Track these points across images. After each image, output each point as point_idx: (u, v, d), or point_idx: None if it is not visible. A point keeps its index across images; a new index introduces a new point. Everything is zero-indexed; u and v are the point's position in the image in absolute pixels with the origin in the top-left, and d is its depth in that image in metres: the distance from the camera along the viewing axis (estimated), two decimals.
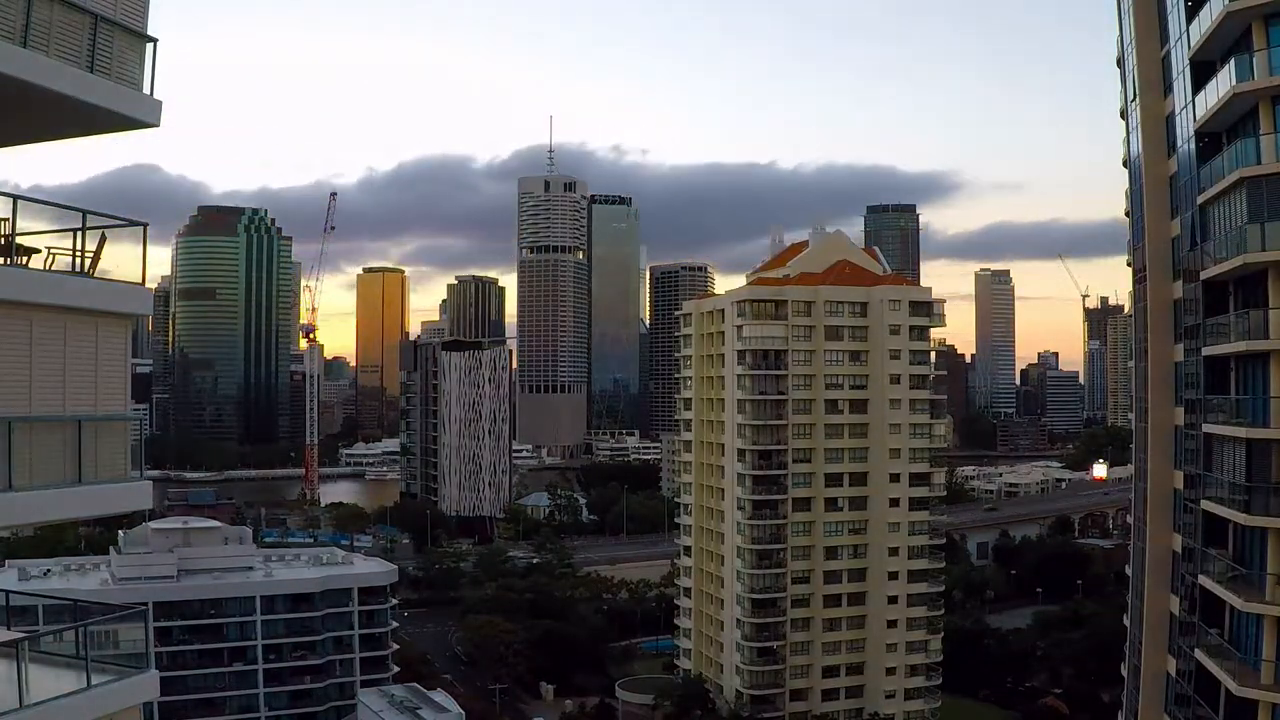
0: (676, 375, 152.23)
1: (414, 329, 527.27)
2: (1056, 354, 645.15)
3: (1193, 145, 47.19)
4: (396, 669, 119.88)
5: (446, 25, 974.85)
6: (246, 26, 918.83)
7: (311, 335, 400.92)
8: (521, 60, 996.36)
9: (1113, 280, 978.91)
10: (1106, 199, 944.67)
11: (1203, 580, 44.89)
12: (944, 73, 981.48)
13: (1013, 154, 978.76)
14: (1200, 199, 46.09)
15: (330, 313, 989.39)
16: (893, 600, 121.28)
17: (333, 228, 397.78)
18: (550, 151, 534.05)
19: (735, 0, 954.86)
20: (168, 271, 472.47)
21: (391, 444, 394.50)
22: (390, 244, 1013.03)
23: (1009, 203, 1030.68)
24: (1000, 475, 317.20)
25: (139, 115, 18.22)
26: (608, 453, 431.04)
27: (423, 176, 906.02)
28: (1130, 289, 61.47)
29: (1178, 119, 49.96)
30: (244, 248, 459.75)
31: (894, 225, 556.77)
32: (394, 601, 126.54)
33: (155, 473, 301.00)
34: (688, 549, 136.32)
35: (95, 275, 18.39)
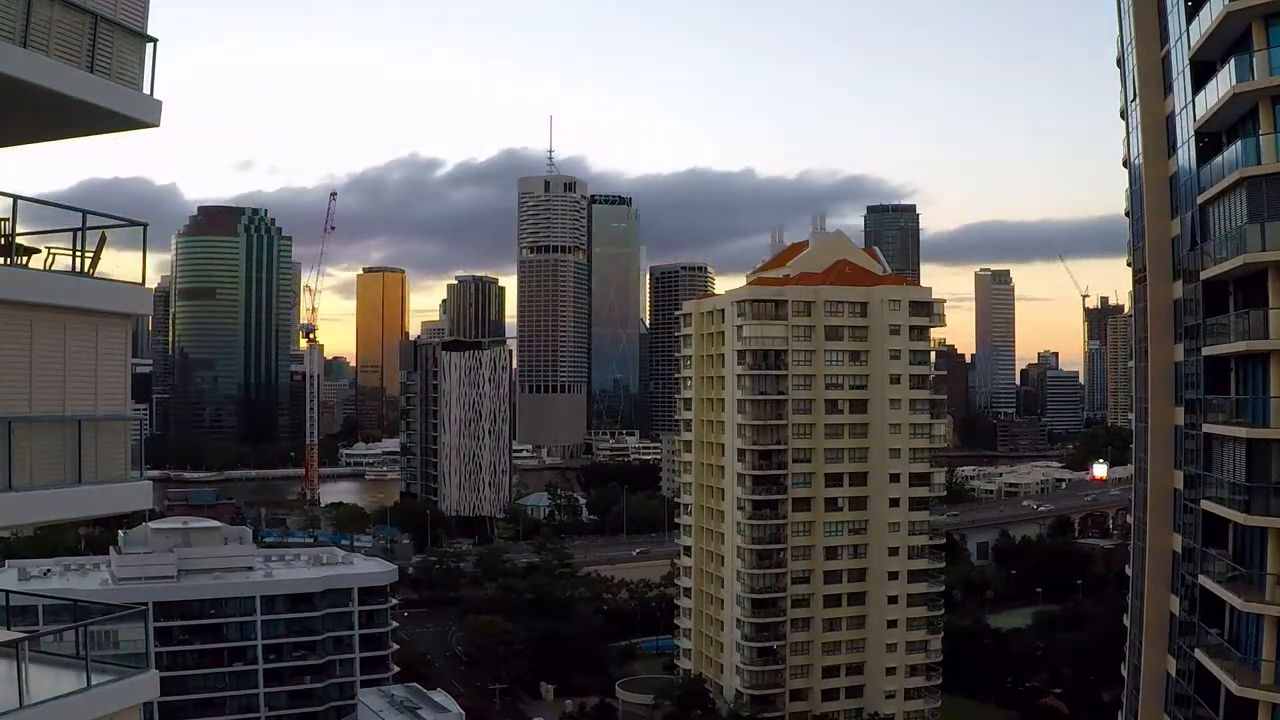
0: (676, 375, 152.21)
1: (414, 329, 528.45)
2: (1056, 354, 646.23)
3: (1193, 145, 47.18)
4: (396, 669, 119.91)
5: (416, 33, 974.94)
6: (213, 33, 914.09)
7: (311, 335, 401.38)
8: (494, 67, 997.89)
9: (1105, 279, 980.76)
10: (1087, 199, 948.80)
11: (1203, 580, 44.88)
12: (925, 76, 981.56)
13: (993, 157, 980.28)
14: (1200, 199, 46.08)
15: (322, 315, 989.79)
16: (893, 600, 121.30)
17: (333, 228, 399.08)
18: (550, 152, 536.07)
19: (702, 8, 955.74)
20: (160, 276, 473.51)
21: (391, 444, 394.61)
22: (371, 247, 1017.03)
23: (986, 206, 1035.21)
24: (1000, 475, 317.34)
25: (139, 115, 18.23)
26: (608, 453, 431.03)
27: (394, 180, 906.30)
28: (1130, 289, 61.46)
29: (1178, 119, 49.95)
30: (244, 248, 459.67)
31: (894, 225, 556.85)
32: (394, 601, 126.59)
33: (155, 473, 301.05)
34: (688, 549, 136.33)
35: (95, 275, 18.40)
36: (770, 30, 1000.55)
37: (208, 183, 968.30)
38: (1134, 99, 55.62)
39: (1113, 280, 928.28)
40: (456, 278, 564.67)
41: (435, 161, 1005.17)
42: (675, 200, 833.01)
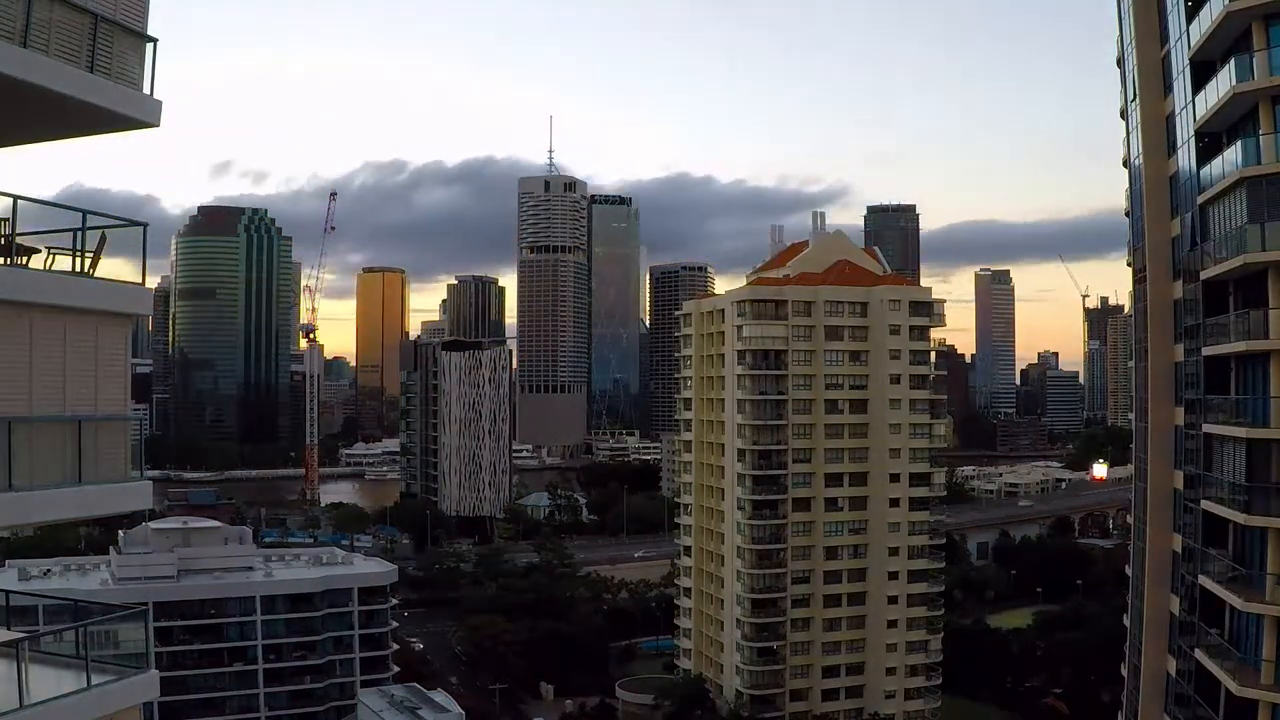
0: (676, 375, 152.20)
1: (414, 329, 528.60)
2: (1056, 354, 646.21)
3: (1193, 145, 47.18)
4: (396, 669, 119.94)
5: (393, 39, 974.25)
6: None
7: (311, 335, 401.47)
8: (475, 72, 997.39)
9: (1099, 280, 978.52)
10: (1082, 200, 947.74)
11: (1203, 580, 44.87)
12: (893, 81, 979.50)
13: (985, 158, 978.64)
14: (1200, 199, 46.08)
15: (322, 315, 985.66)
16: (893, 600, 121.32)
17: (333, 228, 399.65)
18: (550, 152, 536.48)
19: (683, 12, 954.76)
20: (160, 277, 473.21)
21: (391, 444, 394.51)
22: (352, 250, 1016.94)
23: (976, 208, 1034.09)
24: (1000, 475, 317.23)
25: (139, 115, 18.23)
26: (608, 453, 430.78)
27: (374, 184, 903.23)
28: (1130, 289, 61.47)
29: (1178, 119, 49.94)
30: (244, 248, 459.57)
31: (894, 225, 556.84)
32: (394, 601, 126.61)
33: (155, 473, 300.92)
34: (688, 549, 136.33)
35: (95, 276, 18.41)
36: (753, 34, 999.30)
37: (188, 190, 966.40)
38: (1134, 99, 55.61)
39: (1113, 280, 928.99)
40: (456, 277, 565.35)
41: (414, 166, 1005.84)
42: (661, 205, 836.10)
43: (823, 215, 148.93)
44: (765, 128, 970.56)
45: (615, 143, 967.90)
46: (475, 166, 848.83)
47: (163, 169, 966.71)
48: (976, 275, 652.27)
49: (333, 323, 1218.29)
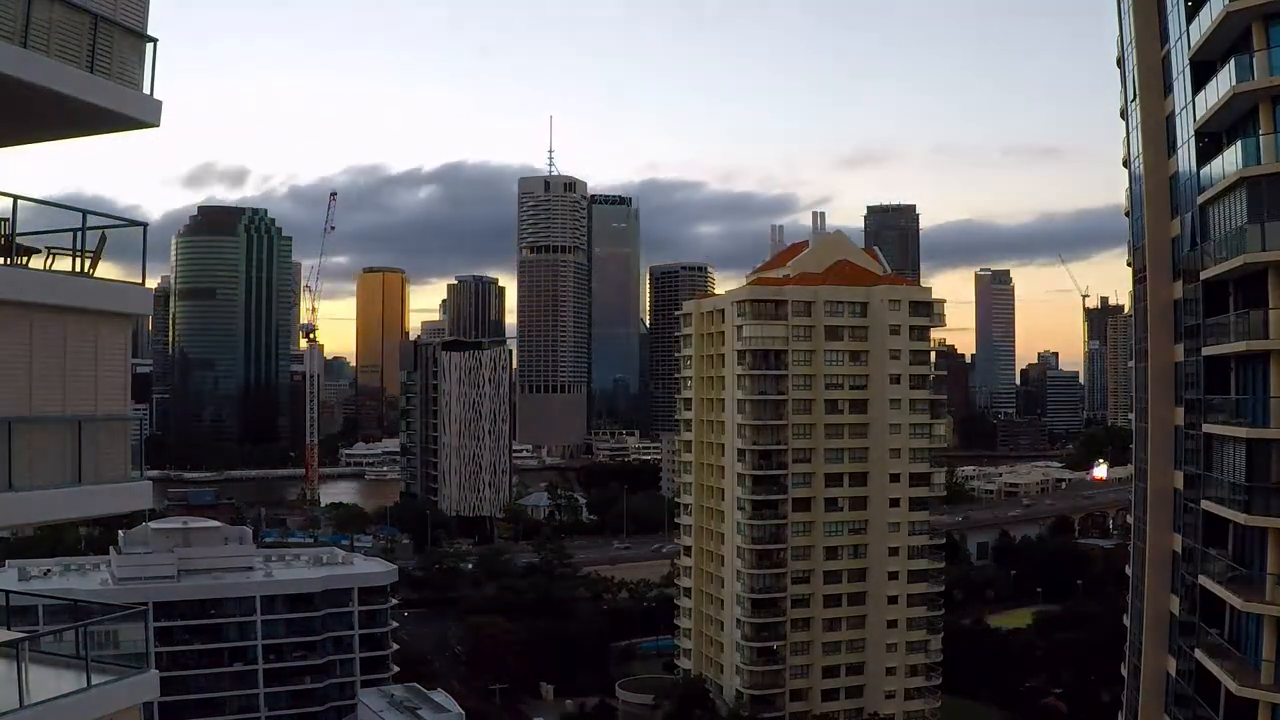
0: (676, 375, 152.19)
1: (414, 329, 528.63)
2: (1056, 354, 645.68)
3: (1193, 145, 47.18)
4: (396, 669, 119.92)
5: (379, 42, 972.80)
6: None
7: (311, 335, 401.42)
8: (463, 75, 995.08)
9: (1091, 279, 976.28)
10: (1074, 199, 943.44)
11: (1203, 580, 44.87)
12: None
13: (976, 157, 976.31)
14: (1200, 199, 46.08)
15: (322, 315, 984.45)
16: (893, 600, 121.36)
17: (333, 228, 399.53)
18: (550, 151, 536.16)
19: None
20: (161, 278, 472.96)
21: (391, 444, 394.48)
22: (350, 252, 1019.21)
23: (969, 208, 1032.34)
24: (1000, 475, 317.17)
25: (139, 115, 18.24)
26: (608, 453, 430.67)
27: (355, 188, 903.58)
28: (1130, 289, 61.48)
29: (1178, 119, 49.94)
30: (244, 248, 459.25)
31: (894, 225, 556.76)
32: (394, 601, 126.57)
33: (155, 473, 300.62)
34: (688, 549, 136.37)
35: (95, 275, 18.42)
36: (745, 35, 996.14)
37: (169, 196, 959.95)
38: (1134, 99, 55.61)
39: (1111, 279, 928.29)
40: (456, 277, 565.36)
41: (411, 166, 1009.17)
42: (648, 209, 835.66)
43: (823, 215, 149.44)
44: (760, 129, 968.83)
45: (602, 146, 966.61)
46: (473, 167, 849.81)
47: (142, 173, 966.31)
48: (976, 275, 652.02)
49: (333, 323, 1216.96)
